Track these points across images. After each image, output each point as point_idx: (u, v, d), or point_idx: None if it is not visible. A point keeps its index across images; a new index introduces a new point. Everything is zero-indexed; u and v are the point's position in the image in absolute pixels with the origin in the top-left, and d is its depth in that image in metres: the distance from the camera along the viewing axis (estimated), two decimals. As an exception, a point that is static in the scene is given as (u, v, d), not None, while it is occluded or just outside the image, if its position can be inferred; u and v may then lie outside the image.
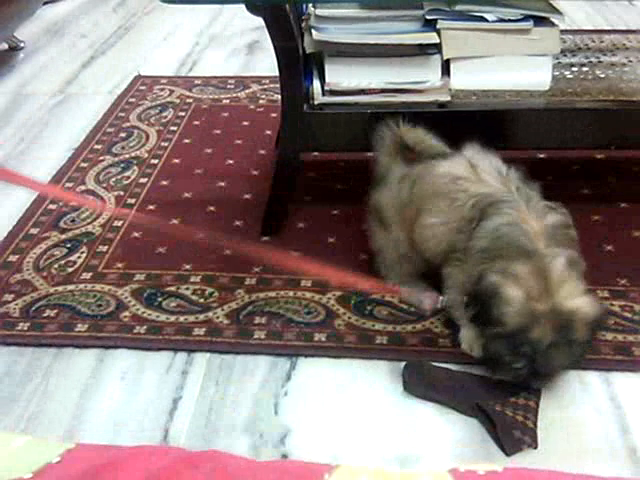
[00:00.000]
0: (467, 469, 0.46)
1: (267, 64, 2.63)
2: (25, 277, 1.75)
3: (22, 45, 3.13)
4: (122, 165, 2.22)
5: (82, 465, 0.49)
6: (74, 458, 0.49)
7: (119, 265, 1.78)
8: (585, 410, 1.38)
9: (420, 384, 1.41)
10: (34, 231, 1.92)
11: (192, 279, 1.73)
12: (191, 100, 2.62)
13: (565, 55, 1.93)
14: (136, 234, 1.90)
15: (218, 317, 1.61)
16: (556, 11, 1.73)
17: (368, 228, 1.67)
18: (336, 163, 2.17)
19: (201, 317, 1.61)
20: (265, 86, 2.69)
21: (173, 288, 1.70)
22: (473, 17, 1.69)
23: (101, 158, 2.27)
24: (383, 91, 1.72)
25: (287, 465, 0.46)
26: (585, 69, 1.88)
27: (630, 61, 1.92)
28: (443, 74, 1.74)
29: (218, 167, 2.20)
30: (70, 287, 1.72)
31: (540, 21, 1.71)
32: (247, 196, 2.05)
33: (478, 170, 1.42)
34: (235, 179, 2.13)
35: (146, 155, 2.27)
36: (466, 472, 0.46)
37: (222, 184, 2.12)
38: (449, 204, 1.42)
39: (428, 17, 1.70)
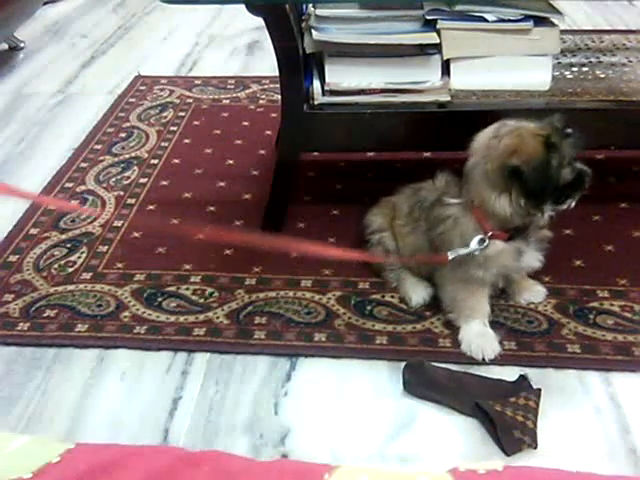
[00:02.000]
0: (467, 468, 0.46)
1: (267, 64, 2.63)
2: (25, 277, 1.75)
3: (22, 45, 3.13)
4: (122, 165, 2.22)
5: (82, 465, 0.49)
6: (74, 458, 0.49)
7: (119, 265, 1.78)
8: (585, 410, 1.38)
9: (420, 384, 1.41)
10: (34, 231, 1.92)
11: (192, 279, 1.73)
12: (191, 100, 2.62)
13: (565, 55, 1.93)
14: (136, 234, 1.90)
15: (218, 317, 1.61)
16: (556, 11, 1.73)
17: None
18: (336, 163, 2.17)
19: (201, 317, 1.61)
20: (265, 86, 2.69)
21: (173, 288, 1.70)
22: (473, 17, 1.69)
23: (101, 158, 2.27)
24: (383, 91, 1.72)
25: (287, 465, 0.46)
26: (585, 69, 1.88)
27: (630, 61, 1.92)
28: (443, 74, 1.74)
29: (218, 167, 2.20)
30: (70, 287, 1.72)
31: (540, 21, 1.71)
32: (247, 196, 2.05)
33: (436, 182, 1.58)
34: (235, 179, 2.13)
35: (146, 155, 2.27)
36: (466, 472, 0.46)
37: (222, 184, 2.12)
38: (407, 211, 1.61)
39: (428, 17, 1.70)
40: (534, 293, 1.62)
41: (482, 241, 1.41)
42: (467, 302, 1.51)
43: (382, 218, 1.67)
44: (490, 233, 1.41)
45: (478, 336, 1.50)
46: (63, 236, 1.90)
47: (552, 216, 1.46)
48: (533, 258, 1.49)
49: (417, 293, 1.61)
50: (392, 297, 1.65)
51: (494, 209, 1.39)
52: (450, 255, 1.42)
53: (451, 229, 1.46)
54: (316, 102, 1.73)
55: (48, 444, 0.52)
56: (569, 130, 1.39)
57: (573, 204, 1.44)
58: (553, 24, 1.73)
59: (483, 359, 1.47)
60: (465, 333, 1.51)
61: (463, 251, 1.41)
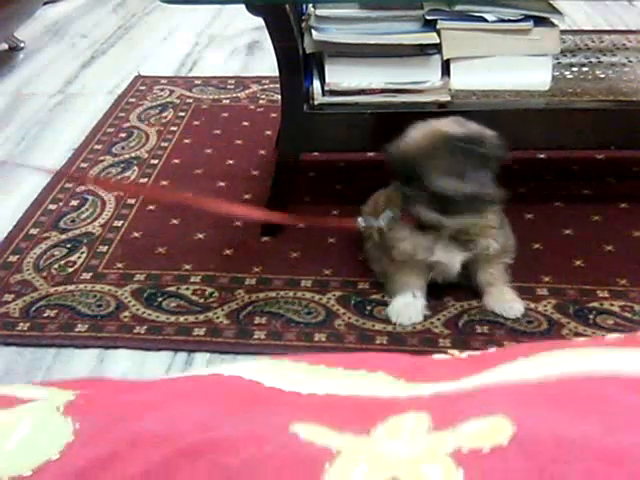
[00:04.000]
0: (470, 448, 0.46)
1: (267, 64, 2.63)
2: (25, 277, 1.75)
3: (22, 45, 3.13)
4: (122, 165, 2.22)
5: (81, 461, 0.49)
6: (73, 454, 0.49)
7: (119, 265, 1.78)
8: (585, 410, 1.37)
9: (420, 384, 1.41)
10: (34, 231, 1.92)
11: (192, 279, 1.73)
12: (191, 100, 2.62)
13: (565, 55, 1.93)
14: (136, 234, 1.90)
15: (218, 317, 1.61)
16: (556, 11, 1.73)
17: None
18: (336, 163, 2.17)
19: (201, 317, 1.61)
20: (265, 86, 2.69)
21: (173, 288, 1.70)
22: (473, 17, 1.70)
23: (101, 158, 2.27)
24: (383, 91, 1.72)
25: (287, 454, 0.46)
26: (585, 69, 1.88)
27: (630, 61, 1.92)
28: (443, 74, 1.74)
29: (218, 167, 2.20)
30: (70, 287, 1.72)
31: (540, 21, 1.71)
32: (247, 196, 2.05)
33: None
34: (235, 179, 2.13)
35: (146, 155, 2.27)
36: (469, 453, 0.46)
37: (222, 184, 2.11)
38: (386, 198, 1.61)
39: (428, 17, 1.70)
40: (506, 309, 1.58)
41: (391, 218, 1.47)
42: (395, 277, 1.57)
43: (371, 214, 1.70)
44: (400, 213, 1.46)
45: (404, 306, 1.56)
46: (63, 236, 1.90)
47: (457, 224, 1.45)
48: (449, 256, 1.50)
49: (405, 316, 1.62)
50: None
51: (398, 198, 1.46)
52: (360, 222, 1.49)
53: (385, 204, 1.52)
54: (316, 102, 1.73)
55: (48, 438, 0.52)
56: (481, 148, 1.37)
57: (460, 223, 1.44)
58: (553, 24, 1.73)
59: (401, 325, 1.54)
60: (393, 303, 1.58)
61: (372, 222, 1.48)
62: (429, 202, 1.39)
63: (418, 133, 1.41)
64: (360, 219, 1.50)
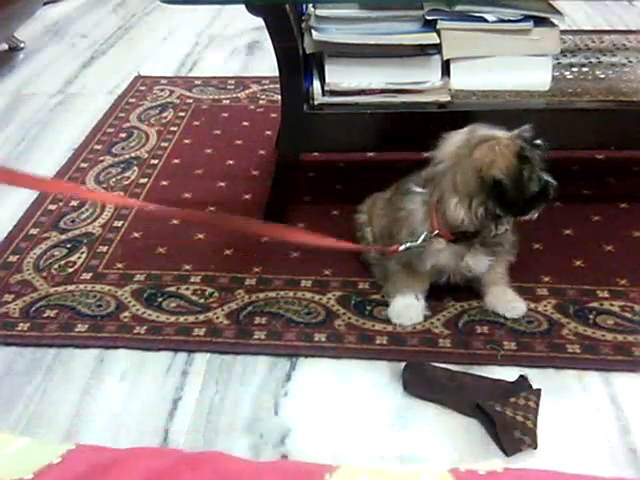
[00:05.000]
0: (468, 469, 0.47)
1: (267, 64, 2.63)
2: (25, 277, 1.75)
3: (22, 45, 3.13)
4: (122, 165, 2.22)
5: (83, 466, 0.49)
6: (75, 459, 0.49)
7: (119, 265, 1.78)
8: (585, 410, 1.38)
9: (420, 384, 1.41)
10: (34, 231, 1.92)
11: (192, 279, 1.73)
12: (191, 100, 2.62)
13: (565, 55, 1.93)
14: (136, 234, 1.90)
15: (218, 317, 1.61)
16: (556, 11, 1.73)
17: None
18: (336, 163, 2.17)
19: (201, 317, 1.61)
20: (265, 86, 2.69)
21: (173, 288, 1.70)
22: (473, 17, 1.70)
23: (101, 158, 2.27)
24: (383, 91, 1.72)
25: (288, 466, 0.46)
26: (585, 69, 1.88)
27: (630, 61, 1.92)
28: (443, 74, 1.74)
29: (218, 167, 2.20)
30: (70, 287, 1.72)
31: (540, 21, 1.71)
32: (247, 196, 2.05)
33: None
34: (235, 179, 2.13)
35: (146, 155, 2.27)
36: (467, 472, 0.46)
37: (222, 184, 2.12)
38: (388, 197, 1.66)
39: (428, 17, 1.70)
40: (509, 309, 1.58)
41: (428, 237, 1.47)
42: (400, 280, 1.57)
43: (366, 213, 1.72)
44: (436, 231, 1.46)
45: (404, 306, 1.57)
46: (63, 236, 1.90)
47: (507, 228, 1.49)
48: (477, 261, 1.51)
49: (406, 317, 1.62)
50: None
51: (450, 213, 1.43)
52: (401, 247, 1.48)
53: (404, 218, 1.51)
54: (316, 102, 1.73)
55: (49, 445, 0.52)
56: (538, 141, 1.40)
57: (536, 215, 1.45)
58: (553, 24, 1.73)
59: (401, 325, 1.55)
60: (394, 304, 1.58)
61: (413, 244, 1.47)
62: (511, 210, 1.42)
63: (487, 154, 1.38)
64: (402, 245, 1.48)
